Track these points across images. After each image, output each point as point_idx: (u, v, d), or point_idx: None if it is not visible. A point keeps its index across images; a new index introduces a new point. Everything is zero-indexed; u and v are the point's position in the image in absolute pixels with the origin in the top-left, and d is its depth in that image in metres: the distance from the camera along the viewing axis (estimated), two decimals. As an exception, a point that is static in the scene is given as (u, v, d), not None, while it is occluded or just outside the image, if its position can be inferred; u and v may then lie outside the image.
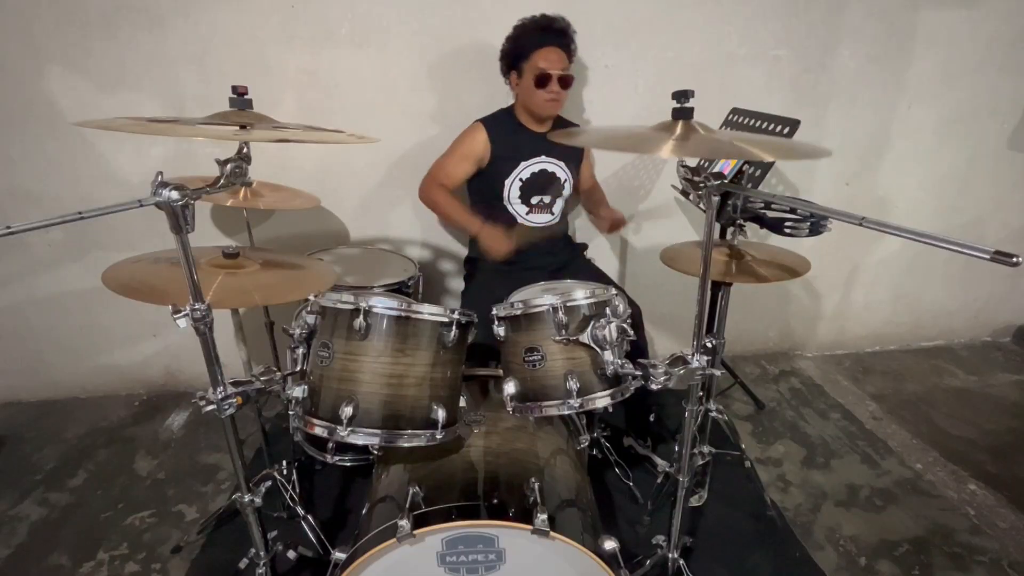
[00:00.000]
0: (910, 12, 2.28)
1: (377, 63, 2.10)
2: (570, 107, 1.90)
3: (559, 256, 2.08)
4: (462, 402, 1.33)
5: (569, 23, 1.85)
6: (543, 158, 1.96)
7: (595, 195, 2.22)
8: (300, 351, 1.26)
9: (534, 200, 1.99)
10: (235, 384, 1.13)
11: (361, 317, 1.15)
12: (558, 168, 1.99)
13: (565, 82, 1.83)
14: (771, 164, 1.64)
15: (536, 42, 1.80)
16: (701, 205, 1.10)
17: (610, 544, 1.16)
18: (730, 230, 1.78)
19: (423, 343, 1.20)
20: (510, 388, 1.28)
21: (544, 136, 1.94)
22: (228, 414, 1.12)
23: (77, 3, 1.93)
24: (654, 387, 1.16)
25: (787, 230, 1.64)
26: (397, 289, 1.77)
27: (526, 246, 1.92)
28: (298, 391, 1.20)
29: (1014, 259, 0.65)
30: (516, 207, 1.98)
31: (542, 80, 1.80)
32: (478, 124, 1.93)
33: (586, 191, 2.23)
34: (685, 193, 1.60)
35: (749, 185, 1.68)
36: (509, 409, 1.29)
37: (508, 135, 1.92)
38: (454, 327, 1.22)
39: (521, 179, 1.95)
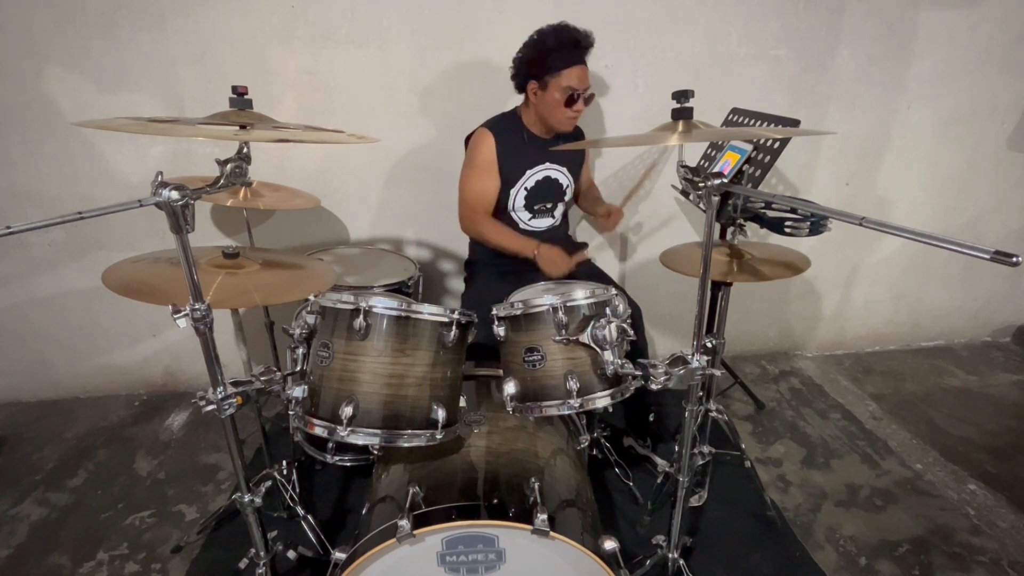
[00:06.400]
0: (910, 12, 2.28)
1: (377, 63, 2.10)
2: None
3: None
4: (462, 402, 1.32)
5: (594, 39, 1.81)
6: (547, 165, 1.94)
7: (591, 195, 2.21)
8: (300, 351, 1.26)
9: (537, 206, 1.98)
10: (235, 384, 1.13)
11: (361, 317, 1.15)
12: (561, 174, 1.98)
13: (588, 100, 1.83)
14: (771, 163, 1.64)
15: (569, 59, 1.75)
16: (701, 205, 1.10)
17: (610, 544, 1.16)
18: (730, 230, 1.78)
19: (423, 343, 1.20)
20: (510, 388, 1.28)
21: (547, 142, 1.93)
22: (228, 414, 1.12)
23: (77, 3, 1.93)
24: (654, 387, 1.16)
25: (787, 230, 1.64)
26: (397, 289, 1.77)
27: (582, 260, 1.85)
28: (298, 391, 1.20)
29: (1014, 259, 0.65)
30: (519, 214, 1.98)
31: (572, 99, 1.78)
32: (484, 130, 1.89)
33: (583, 192, 2.23)
34: (685, 193, 1.60)
35: (749, 185, 1.67)
36: (509, 409, 1.29)
37: (514, 144, 1.89)
38: (454, 327, 1.22)
39: (527, 188, 1.93)
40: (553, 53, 1.76)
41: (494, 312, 1.31)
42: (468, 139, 1.96)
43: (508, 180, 1.91)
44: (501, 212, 1.97)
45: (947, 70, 2.39)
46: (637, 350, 1.87)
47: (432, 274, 2.46)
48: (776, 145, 1.61)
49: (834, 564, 1.65)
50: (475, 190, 1.90)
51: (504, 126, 1.91)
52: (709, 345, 1.50)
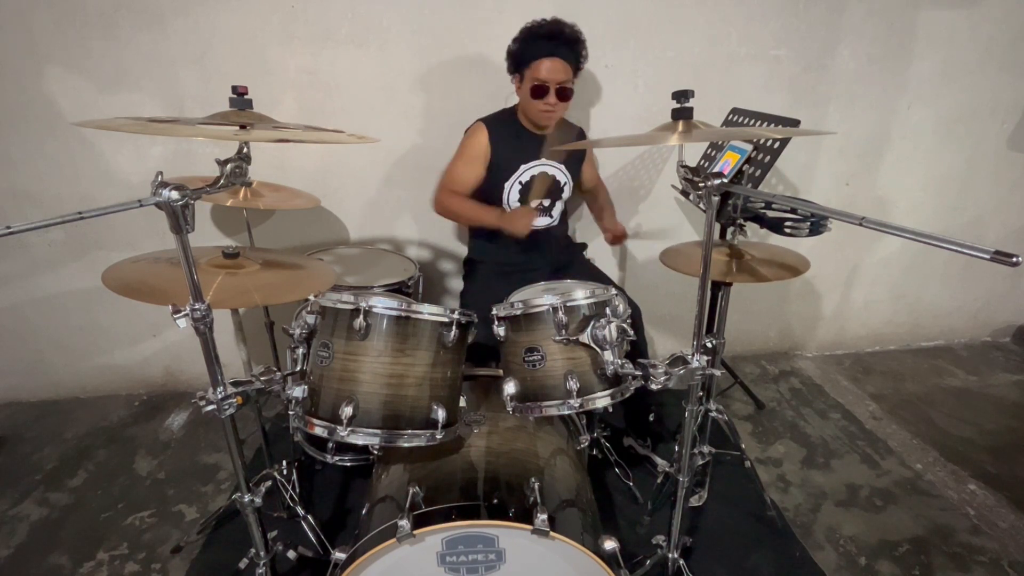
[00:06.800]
0: (910, 12, 2.28)
1: (377, 63, 2.10)
2: (571, 107, 1.90)
3: (559, 257, 2.07)
4: (462, 402, 1.33)
5: (579, 33, 1.78)
6: (543, 161, 1.95)
7: (600, 197, 2.21)
8: (300, 351, 1.26)
9: (533, 203, 1.98)
10: (235, 384, 1.13)
11: (361, 317, 1.15)
12: (558, 171, 1.98)
13: (563, 95, 1.79)
14: (771, 163, 1.64)
15: (539, 51, 1.74)
16: (701, 205, 1.10)
17: (610, 544, 1.16)
18: (730, 230, 1.78)
19: (423, 343, 1.20)
20: (510, 388, 1.28)
21: (544, 139, 1.94)
22: (228, 414, 1.12)
23: (77, 3, 1.93)
24: (654, 387, 1.16)
25: (787, 230, 1.64)
26: (397, 289, 1.77)
27: (542, 192, 1.89)
28: (298, 391, 1.20)
29: (1014, 259, 0.65)
30: None
31: (539, 91, 1.77)
32: (480, 124, 1.91)
33: (590, 191, 2.22)
34: (685, 193, 1.60)
35: (749, 185, 1.67)
36: (509, 409, 1.29)
37: (508, 138, 1.90)
38: (454, 327, 1.22)
39: (520, 182, 1.94)
40: (528, 45, 1.77)
41: (494, 312, 1.31)
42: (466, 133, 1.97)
43: (502, 173, 1.92)
44: (495, 205, 1.96)
45: (947, 70, 2.39)
46: (637, 350, 1.87)
47: (432, 274, 2.46)
48: (776, 145, 1.61)
49: (834, 564, 1.65)
50: (453, 175, 1.92)
51: (500, 121, 1.93)
52: (709, 345, 1.50)
